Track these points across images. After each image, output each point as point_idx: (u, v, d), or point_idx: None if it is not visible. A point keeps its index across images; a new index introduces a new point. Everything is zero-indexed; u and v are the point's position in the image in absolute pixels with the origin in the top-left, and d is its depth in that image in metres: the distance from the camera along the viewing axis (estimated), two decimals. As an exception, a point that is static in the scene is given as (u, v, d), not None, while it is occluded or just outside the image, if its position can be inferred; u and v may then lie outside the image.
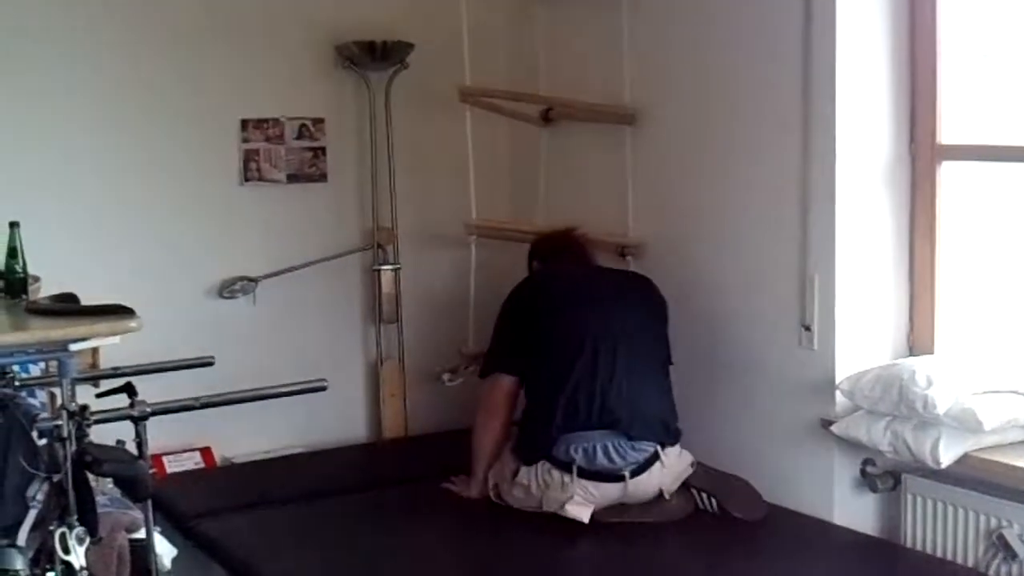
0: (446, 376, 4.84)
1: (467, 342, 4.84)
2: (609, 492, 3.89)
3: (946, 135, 3.88)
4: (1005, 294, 3.82)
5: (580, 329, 4.02)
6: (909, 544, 3.76)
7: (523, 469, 3.97)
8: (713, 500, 3.92)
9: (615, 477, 3.89)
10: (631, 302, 4.17)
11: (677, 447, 4.00)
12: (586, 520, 3.83)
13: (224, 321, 4.72)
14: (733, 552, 3.75)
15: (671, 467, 3.96)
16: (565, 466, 3.88)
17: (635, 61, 4.52)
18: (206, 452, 4.70)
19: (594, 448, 3.88)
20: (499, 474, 4.09)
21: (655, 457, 3.93)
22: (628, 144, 4.57)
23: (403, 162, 4.99)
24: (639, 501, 3.93)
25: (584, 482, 3.87)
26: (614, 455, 3.88)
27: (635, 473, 3.90)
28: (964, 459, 3.58)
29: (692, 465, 4.00)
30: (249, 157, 4.77)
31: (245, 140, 4.76)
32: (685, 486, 3.97)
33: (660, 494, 3.93)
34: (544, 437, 3.93)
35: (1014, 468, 3.51)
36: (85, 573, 2.70)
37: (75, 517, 2.70)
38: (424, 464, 4.58)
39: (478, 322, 4.77)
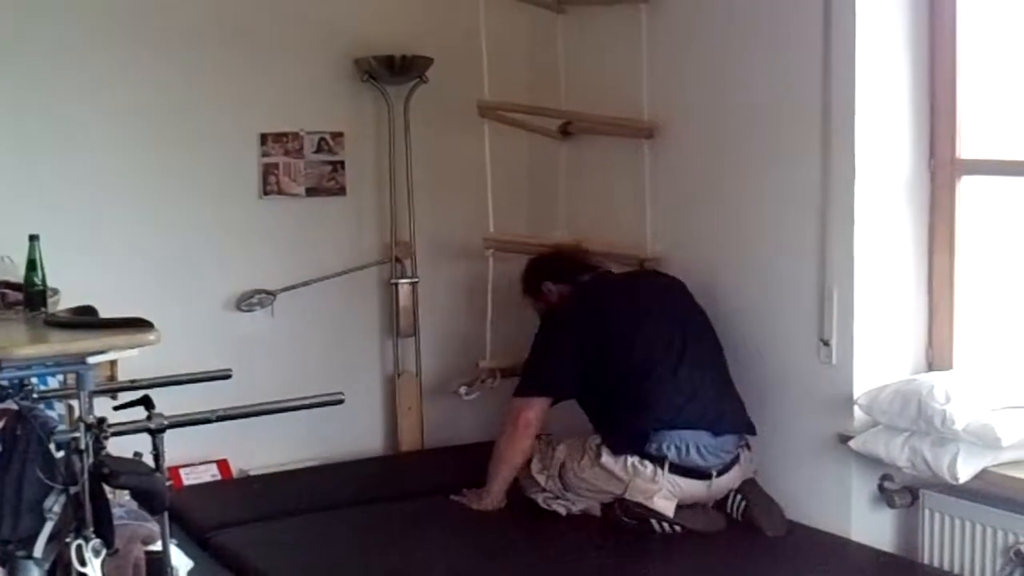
0: (463, 390, 4.83)
1: (484, 356, 4.83)
2: (695, 489, 3.95)
3: (965, 150, 3.87)
4: (1024, 309, 3.81)
5: (654, 329, 4.08)
6: (927, 560, 3.75)
7: (606, 455, 3.99)
8: (744, 503, 3.96)
9: (702, 475, 3.94)
10: (681, 302, 4.23)
11: (749, 453, 4.07)
12: (671, 514, 3.88)
13: (242, 334, 4.73)
14: (750, 566, 3.75)
15: (745, 469, 4.04)
16: (658, 460, 3.92)
17: (654, 76, 4.52)
18: (223, 464, 4.70)
19: (687, 446, 3.93)
20: (578, 453, 4.08)
21: (737, 458, 4.00)
22: (647, 158, 4.56)
23: (421, 176, 5.00)
24: (714, 499, 4.01)
25: (674, 477, 3.91)
26: (706, 454, 3.95)
27: (720, 473, 3.97)
28: (982, 475, 3.56)
29: (755, 472, 4.08)
30: (268, 171, 4.79)
31: (264, 154, 4.77)
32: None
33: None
34: (637, 432, 3.96)
35: (1033, 484, 3.50)
36: (101, 585, 2.70)
37: (92, 529, 2.70)
38: (441, 477, 4.58)
39: (495, 336, 4.76)
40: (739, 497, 3.99)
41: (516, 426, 4.17)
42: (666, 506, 3.89)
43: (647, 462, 3.93)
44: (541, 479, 4.15)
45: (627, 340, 4.08)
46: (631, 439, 3.98)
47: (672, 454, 3.92)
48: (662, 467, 3.91)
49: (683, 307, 4.22)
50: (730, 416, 4.06)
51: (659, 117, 4.53)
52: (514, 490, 4.21)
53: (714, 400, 4.03)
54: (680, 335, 4.08)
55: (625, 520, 3.93)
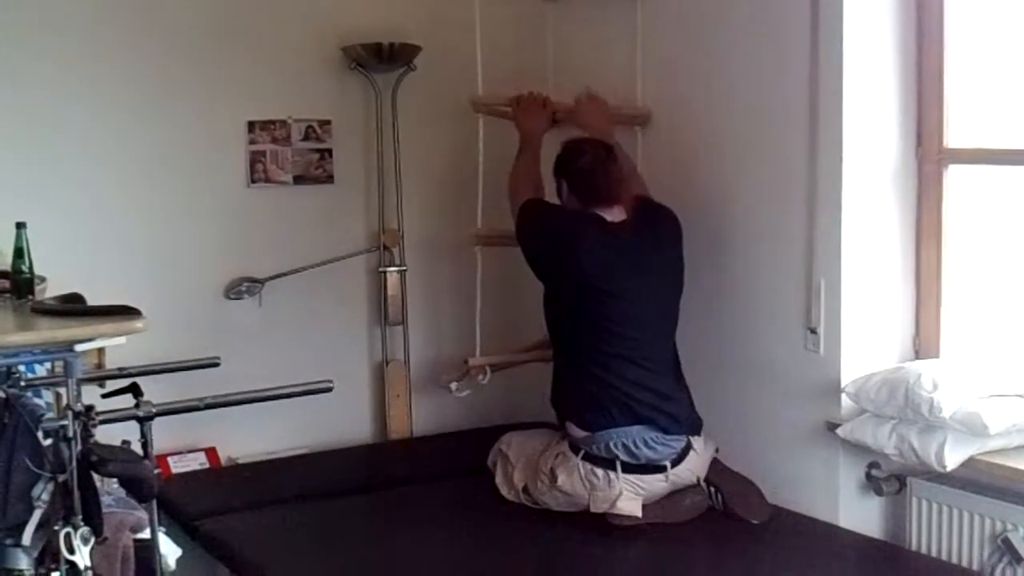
0: (453, 385, 4.80)
1: (473, 351, 4.81)
2: (655, 484, 3.91)
3: (952, 139, 3.88)
4: (1011, 298, 3.82)
5: (616, 319, 4.00)
6: (914, 547, 3.76)
7: (563, 477, 3.95)
8: (720, 496, 3.94)
9: (656, 468, 3.91)
10: (659, 280, 4.10)
11: (701, 438, 4.04)
12: (639, 514, 3.84)
13: (230, 322, 4.72)
14: (739, 554, 3.76)
15: (702, 454, 4.01)
16: (608, 463, 3.90)
17: (644, 66, 4.52)
18: (211, 452, 4.69)
19: (634, 442, 3.90)
20: (533, 477, 4.07)
21: (689, 446, 3.98)
22: (638, 146, 4.56)
23: (409, 164, 4.99)
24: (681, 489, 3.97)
25: (630, 477, 3.88)
26: (655, 445, 3.92)
27: (675, 463, 3.94)
28: (970, 463, 3.58)
29: (716, 451, 4.06)
30: (256, 159, 4.77)
31: (252, 142, 4.76)
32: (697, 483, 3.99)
33: (681, 489, 3.96)
34: (585, 415, 3.96)
35: (1019, 472, 3.51)
36: (90, 573, 2.70)
37: (80, 517, 2.70)
38: (429, 465, 4.59)
39: (484, 330, 4.75)
40: (714, 490, 3.97)
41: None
42: (632, 507, 3.85)
43: (599, 470, 3.90)
44: (509, 496, 4.14)
45: (596, 323, 4.03)
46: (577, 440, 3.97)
47: (622, 452, 3.89)
48: (615, 470, 3.89)
49: (655, 290, 4.09)
50: (679, 413, 4.00)
51: (649, 107, 4.53)
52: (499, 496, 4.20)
53: (666, 399, 3.99)
54: (639, 328, 4.02)
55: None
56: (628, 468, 3.89)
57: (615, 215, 4.09)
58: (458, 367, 4.79)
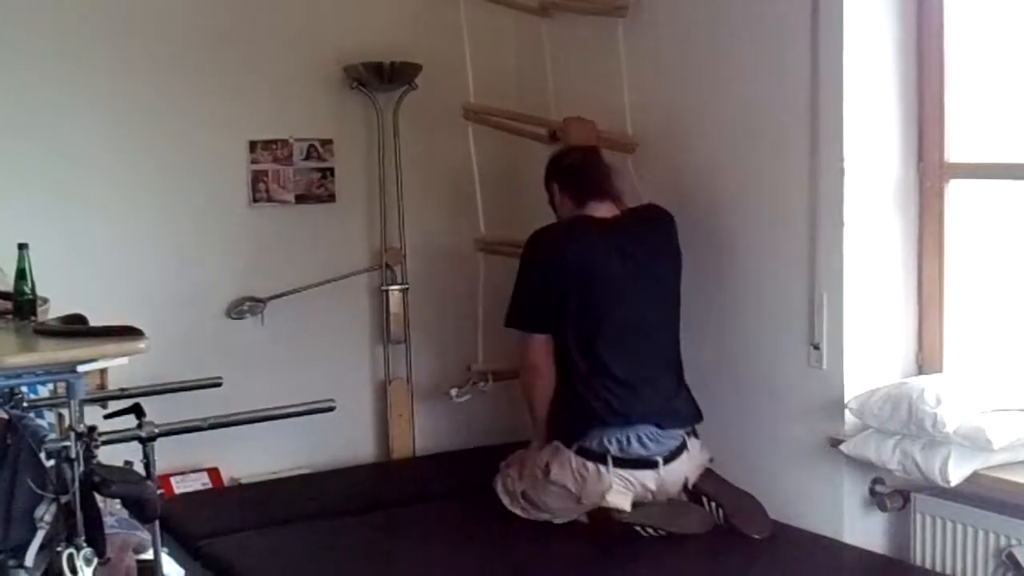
0: (454, 391, 4.81)
1: (476, 359, 4.83)
2: (645, 479, 3.93)
3: (954, 153, 3.88)
4: (1014, 312, 3.82)
5: (615, 310, 4.02)
6: (919, 563, 3.75)
7: (555, 469, 3.99)
8: (721, 511, 3.94)
9: (648, 464, 3.93)
10: (661, 276, 4.14)
11: (698, 441, 4.06)
12: (628, 508, 3.88)
13: (232, 342, 4.72)
14: (743, 569, 3.75)
15: (695, 456, 4.03)
16: (599, 457, 3.92)
17: (638, 84, 4.52)
18: (213, 473, 4.69)
19: (627, 438, 3.93)
20: (531, 475, 4.08)
21: (684, 445, 4.00)
22: (631, 171, 4.53)
23: (411, 182, 5.00)
24: (668, 494, 3.98)
25: (620, 471, 3.91)
26: (648, 442, 3.95)
27: (667, 460, 3.96)
28: (974, 478, 3.56)
29: (710, 460, 4.07)
30: (257, 178, 4.78)
31: (253, 161, 4.77)
32: (698, 498, 3.98)
33: (688, 502, 3.98)
34: (575, 427, 3.99)
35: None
36: (93, 594, 2.70)
37: (83, 538, 2.70)
38: (433, 484, 4.59)
39: (487, 339, 4.76)
40: (714, 505, 3.96)
41: (527, 370, 4.19)
42: (621, 501, 3.89)
43: (589, 463, 3.93)
44: (512, 507, 4.15)
45: (573, 324, 4.04)
46: (569, 433, 4.00)
47: (614, 447, 3.93)
48: (604, 463, 3.92)
49: (655, 284, 4.12)
50: (679, 409, 4.07)
51: (643, 125, 4.52)
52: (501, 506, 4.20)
53: (665, 394, 4.05)
54: (638, 325, 4.05)
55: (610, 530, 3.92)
56: (619, 463, 3.92)
57: (605, 211, 4.14)
58: (460, 378, 4.80)
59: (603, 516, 3.92)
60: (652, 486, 3.95)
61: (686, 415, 4.08)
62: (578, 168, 4.24)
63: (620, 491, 3.90)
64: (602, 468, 3.92)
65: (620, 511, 3.88)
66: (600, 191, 4.17)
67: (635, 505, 3.93)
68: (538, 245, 4.18)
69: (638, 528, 3.89)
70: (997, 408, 3.57)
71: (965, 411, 3.53)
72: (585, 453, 3.95)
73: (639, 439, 3.94)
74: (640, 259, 4.09)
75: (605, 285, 4.03)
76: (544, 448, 4.10)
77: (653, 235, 4.18)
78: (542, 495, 4.05)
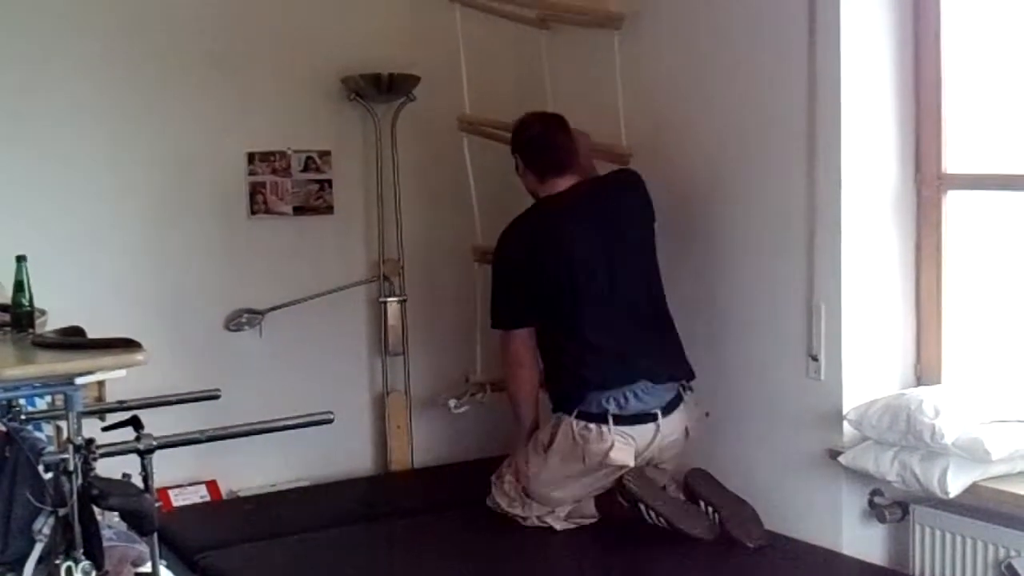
0: (452, 402, 4.81)
1: (475, 370, 4.83)
2: (645, 433, 4.01)
3: (951, 164, 3.88)
4: (1012, 323, 3.82)
5: (591, 284, 4.07)
6: (918, 574, 3.74)
7: (559, 438, 4.04)
8: (717, 516, 3.95)
9: (648, 417, 3.99)
10: (630, 235, 4.18)
11: (692, 394, 4.15)
12: (631, 463, 3.95)
13: (230, 354, 4.72)
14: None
15: (692, 409, 4.13)
16: (600, 417, 3.98)
17: (636, 92, 4.52)
18: (212, 485, 4.69)
19: (624, 396, 4.00)
20: (529, 465, 4.12)
21: (679, 397, 4.09)
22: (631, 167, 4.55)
23: (409, 194, 5.00)
24: (669, 450, 4.07)
25: (621, 428, 3.98)
26: (644, 396, 4.02)
27: (666, 412, 4.03)
28: (972, 489, 3.56)
29: (706, 415, 4.19)
30: (255, 190, 4.78)
31: (251, 173, 4.77)
32: (695, 500, 4.00)
33: (696, 507, 4.00)
34: (573, 393, 4.05)
35: (1023, 497, 3.49)
36: (91, 607, 2.70)
37: (81, 551, 2.70)
38: (430, 496, 4.58)
39: (485, 349, 4.76)
40: (711, 510, 3.98)
41: (509, 363, 4.28)
42: (624, 456, 3.95)
43: (591, 424, 3.98)
44: (512, 508, 4.17)
45: (556, 298, 4.10)
46: (568, 398, 4.07)
47: (612, 407, 3.99)
48: (606, 423, 3.97)
49: (632, 242, 4.16)
50: (672, 362, 4.14)
51: (639, 132, 4.52)
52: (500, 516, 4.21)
53: (656, 352, 4.11)
54: (623, 284, 4.10)
55: (621, 502, 3.98)
56: (620, 420, 3.98)
57: (567, 184, 4.22)
58: (458, 389, 4.80)
59: (610, 500, 3.99)
60: (652, 441, 4.01)
61: (678, 367, 4.14)
62: (537, 143, 4.29)
63: (622, 446, 3.96)
64: (603, 427, 3.97)
65: (624, 469, 3.94)
66: (560, 166, 4.24)
67: (647, 482, 3.97)
68: (507, 245, 4.27)
69: (643, 509, 3.91)
70: (996, 419, 3.57)
71: (964, 422, 3.53)
72: (586, 416, 4.01)
73: (635, 395, 4.01)
74: (608, 229, 4.14)
75: (580, 266, 4.08)
76: (543, 427, 4.15)
77: (620, 200, 4.23)
78: (543, 476, 4.07)
